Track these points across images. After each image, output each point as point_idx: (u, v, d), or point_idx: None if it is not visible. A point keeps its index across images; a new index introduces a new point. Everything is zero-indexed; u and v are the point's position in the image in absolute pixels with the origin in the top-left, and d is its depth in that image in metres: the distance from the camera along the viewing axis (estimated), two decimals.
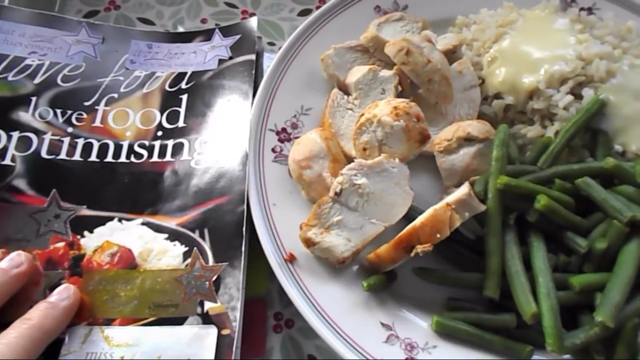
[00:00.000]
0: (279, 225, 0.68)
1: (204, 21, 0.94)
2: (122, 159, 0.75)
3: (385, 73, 0.76)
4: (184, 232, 0.69)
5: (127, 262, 0.67)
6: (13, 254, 0.63)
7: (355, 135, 0.71)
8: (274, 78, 0.79)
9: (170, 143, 0.76)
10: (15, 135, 0.74)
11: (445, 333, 0.64)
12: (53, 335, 0.58)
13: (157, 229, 0.69)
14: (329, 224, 0.66)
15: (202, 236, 0.68)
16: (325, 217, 0.66)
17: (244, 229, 0.68)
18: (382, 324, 0.64)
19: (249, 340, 0.65)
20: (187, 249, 0.67)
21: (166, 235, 0.69)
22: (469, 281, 0.66)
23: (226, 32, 0.87)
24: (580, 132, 0.72)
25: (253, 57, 0.83)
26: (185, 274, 0.65)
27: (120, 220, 0.70)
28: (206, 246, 0.67)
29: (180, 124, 0.78)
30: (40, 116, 0.76)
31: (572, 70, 0.73)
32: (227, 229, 0.68)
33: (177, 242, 0.68)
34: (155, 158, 0.75)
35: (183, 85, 0.82)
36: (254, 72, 0.81)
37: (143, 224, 0.70)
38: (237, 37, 0.85)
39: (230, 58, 0.84)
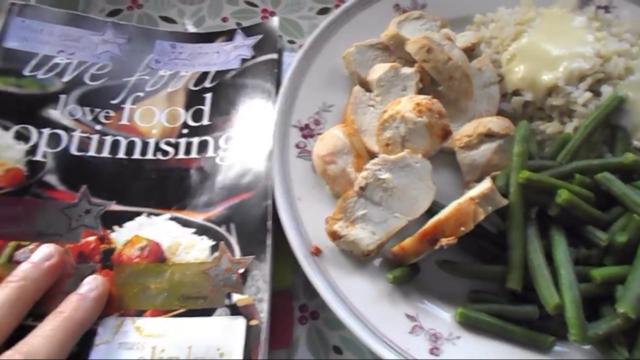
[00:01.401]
0: (305, 219, 0.70)
1: (224, 20, 0.96)
2: (149, 156, 0.76)
3: (407, 70, 0.78)
4: (210, 226, 0.70)
5: (156, 255, 0.68)
6: (43, 247, 0.65)
7: (378, 131, 0.72)
8: (297, 75, 0.80)
9: (195, 140, 0.78)
10: (46, 132, 0.76)
11: (468, 324, 0.65)
12: (86, 326, 0.60)
13: (185, 223, 0.71)
14: (354, 218, 0.67)
15: (228, 230, 0.70)
16: (350, 211, 0.67)
17: (269, 223, 0.69)
18: (407, 315, 0.65)
19: (276, 331, 0.67)
20: (214, 243, 0.69)
21: (194, 230, 0.70)
22: (491, 274, 0.67)
23: (248, 32, 0.88)
24: (599, 128, 0.73)
25: (275, 56, 0.84)
26: (213, 267, 0.67)
27: (148, 215, 0.71)
28: (233, 240, 0.69)
29: (205, 122, 0.80)
30: (70, 114, 0.78)
31: (591, 67, 0.75)
32: (253, 223, 0.70)
33: (204, 237, 0.70)
34: (181, 155, 0.77)
35: (207, 84, 0.83)
36: (276, 70, 0.83)
37: (171, 219, 0.71)
38: (259, 37, 0.87)
39: (253, 57, 0.85)
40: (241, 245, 0.68)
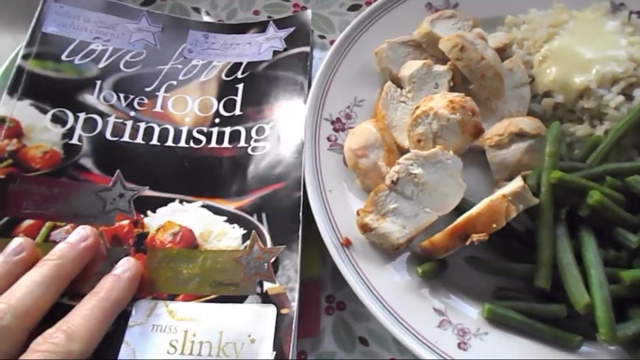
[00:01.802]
0: (335, 211, 0.71)
1: (256, 13, 0.97)
2: (182, 143, 0.78)
3: (439, 68, 0.78)
4: (242, 215, 0.71)
5: (189, 241, 0.69)
6: (79, 228, 0.66)
7: (410, 127, 0.73)
8: (329, 69, 0.81)
9: (227, 130, 0.79)
10: (82, 116, 0.77)
11: (495, 321, 0.66)
12: (121, 306, 0.62)
13: (216, 211, 0.72)
14: (385, 211, 0.68)
15: (260, 220, 0.71)
16: (381, 205, 0.68)
17: (300, 213, 0.70)
18: (435, 309, 0.66)
19: (304, 320, 0.68)
20: (245, 231, 0.70)
21: (225, 218, 0.71)
22: (519, 271, 0.68)
23: (280, 24, 0.89)
24: (631, 131, 0.73)
25: (307, 49, 0.85)
26: (245, 255, 0.68)
27: (181, 202, 0.72)
28: (264, 229, 0.70)
29: (237, 112, 0.81)
30: (105, 99, 0.79)
31: (624, 71, 0.75)
32: (284, 213, 0.71)
33: (236, 225, 0.71)
34: (213, 144, 0.78)
35: (239, 75, 0.84)
36: (308, 63, 0.84)
37: (203, 206, 0.72)
38: (292, 29, 0.88)
39: (285, 50, 0.86)
40: (272, 235, 0.69)
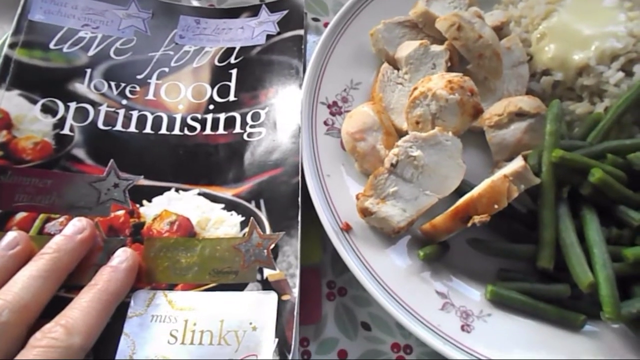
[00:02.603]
0: (334, 196, 0.70)
1: None
2: (176, 131, 0.76)
3: (436, 48, 0.77)
4: (240, 202, 0.70)
5: (186, 230, 0.68)
6: (74, 220, 0.65)
7: (409, 109, 0.71)
8: (324, 52, 0.80)
9: (222, 116, 0.78)
10: (73, 105, 0.75)
11: (498, 302, 0.65)
12: (120, 297, 0.61)
13: (214, 199, 0.71)
14: (385, 195, 0.67)
15: (258, 206, 0.70)
16: (381, 188, 0.67)
17: (299, 199, 0.69)
18: (437, 292, 0.65)
19: (306, 307, 0.67)
20: (243, 218, 0.69)
21: (222, 205, 0.70)
22: (522, 252, 0.67)
23: (273, 7, 0.87)
24: (632, 108, 0.72)
25: (301, 32, 0.84)
26: (244, 242, 0.67)
27: (177, 190, 0.71)
28: (262, 216, 0.69)
29: (231, 98, 0.79)
30: (96, 88, 0.77)
31: (623, 47, 0.74)
32: (282, 199, 0.70)
33: (233, 212, 0.70)
34: (208, 131, 0.76)
35: (232, 60, 0.83)
36: (302, 47, 0.82)
37: (199, 194, 0.71)
38: (284, 12, 0.86)
39: (279, 33, 0.84)
40: (271, 221, 0.68)
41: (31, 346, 0.51)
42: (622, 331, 0.63)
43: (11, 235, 0.62)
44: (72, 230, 0.63)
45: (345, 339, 0.68)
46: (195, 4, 0.93)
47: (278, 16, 0.86)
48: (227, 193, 0.71)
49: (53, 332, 0.52)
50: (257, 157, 0.73)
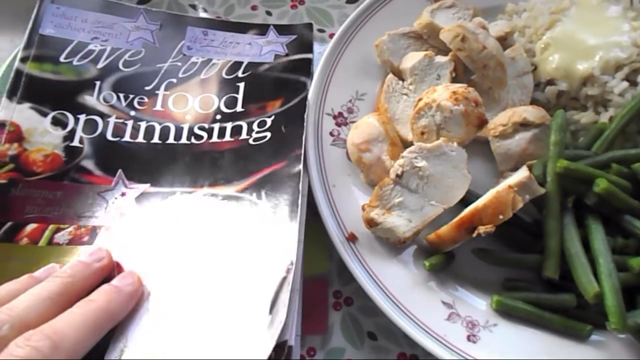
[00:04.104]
0: (340, 206, 0.70)
1: (254, 8, 0.96)
2: (183, 140, 0.77)
3: (441, 59, 0.78)
4: (239, 195, 0.70)
5: None
6: (95, 249, 0.64)
7: (414, 119, 0.72)
8: (330, 64, 0.81)
9: (229, 125, 0.78)
10: (82, 118, 0.76)
11: (504, 312, 0.65)
12: (115, 321, 0.57)
13: (218, 197, 0.71)
14: (391, 205, 0.67)
15: (259, 197, 0.70)
16: (386, 199, 0.67)
17: (300, 185, 0.68)
18: (443, 302, 0.66)
19: (312, 317, 0.68)
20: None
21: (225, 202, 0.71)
22: (527, 262, 0.67)
23: (281, 30, 0.88)
24: (636, 118, 0.72)
25: (310, 55, 0.84)
26: None
27: (182, 194, 0.72)
28: (262, 203, 0.69)
29: (239, 108, 0.80)
30: (105, 100, 0.78)
31: (627, 56, 0.74)
32: (284, 187, 0.70)
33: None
34: (214, 139, 0.77)
35: (240, 74, 0.83)
36: (311, 67, 0.83)
37: (204, 195, 0.72)
38: (293, 37, 0.87)
39: (287, 55, 0.85)
40: (272, 205, 0.68)
41: (8, 353, 0.47)
42: (629, 341, 0.63)
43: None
44: (92, 258, 0.62)
45: (351, 349, 0.68)
46: (203, 15, 0.95)
47: (286, 39, 0.87)
48: (231, 190, 0.71)
49: (38, 342, 0.48)
50: (262, 159, 0.74)
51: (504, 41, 0.83)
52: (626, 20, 0.79)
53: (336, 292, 0.72)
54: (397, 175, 0.68)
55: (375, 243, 0.69)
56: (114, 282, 0.60)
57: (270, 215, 0.68)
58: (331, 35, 0.91)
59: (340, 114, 0.79)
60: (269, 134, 0.76)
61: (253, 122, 0.78)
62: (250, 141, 0.76)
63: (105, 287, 0.59)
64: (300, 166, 0.71)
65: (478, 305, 0.67)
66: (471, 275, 0.69)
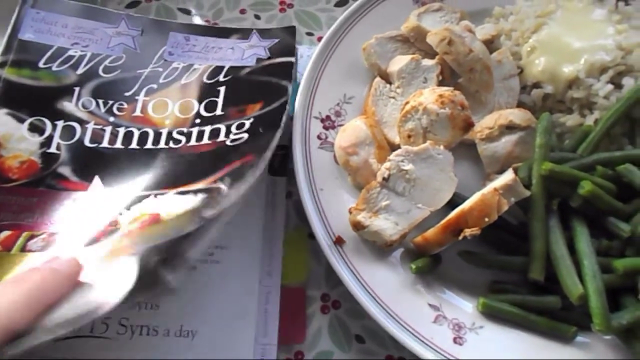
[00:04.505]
0: (327, 210, 0.70)
1: (242, 12, 0.96)
2: (162, 144, 0.75)
3: (428, 62, 0.78)
4: (209, 187, 0.69)
5: (152, 224, 0.68)
6: (63, 259, 0.60)
7: (400, 123, 0.72)
8: (317, 67, 0.80)
9: (207, 129, 0.76)
10: (60, 124, 0.75)
11: (490, 314, 0.66)
12: (50, 301, 0.52)
13: (187, 193, 0.70)
14: (377, 208, 0.68)
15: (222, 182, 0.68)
16: (373, 202, 0.68)
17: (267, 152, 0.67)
18: (430, 305, 0.66)
19: (289, 327, 0.68)
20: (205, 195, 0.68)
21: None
22: (513, 264, 0.68)
23: (264, 34, 0.87)
24: (621, 120, 0.73)
25: (292, 59, 0.83)
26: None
27: (155, 196, 0.71)
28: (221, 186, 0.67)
29: (218, 112, 0.79)
30: (84, 106, 0.77)
31: (612, 59, 0.75)
32: (247, 169, 0.68)
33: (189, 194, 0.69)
34: (192, 142, 0.76)
35: (221, 78, 0.82)
36: (293, 71, 0.82)
37: (176, 194, 0.70)
38: (276, 40, 0.86)
39: (269, 58, 0.84)
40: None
41: None
42: (613, 342, 0.64)
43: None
44: (60, 264, 0.58)
45: (339, 352, 0.68)
46: (197, 21, 0.94)
47: (269, 43, 0.86)
48: (201, 184, 0.70)
49: None
50: (237, 157, 0.72)
51: (491, 44, 0.84)
52: (611, 24, 0.79)
53: (324, 296, 0.72)
54: (384, 179, 0.68)
55: (363, 246, 0.69)
56: (52, 263, 0.57)
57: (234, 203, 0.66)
58: (319, 39, 0.91)
59: (328, 117, 0.79)
60: (246, 135, 0.75)
61: (232, 124, 0.77)
62: (228, 142, 0.75)
63: (38, 268, 0.56)
64: (269, 153, 0.69)
65: (464, 307, 0.67)
66: (458, 277, 0.69)
